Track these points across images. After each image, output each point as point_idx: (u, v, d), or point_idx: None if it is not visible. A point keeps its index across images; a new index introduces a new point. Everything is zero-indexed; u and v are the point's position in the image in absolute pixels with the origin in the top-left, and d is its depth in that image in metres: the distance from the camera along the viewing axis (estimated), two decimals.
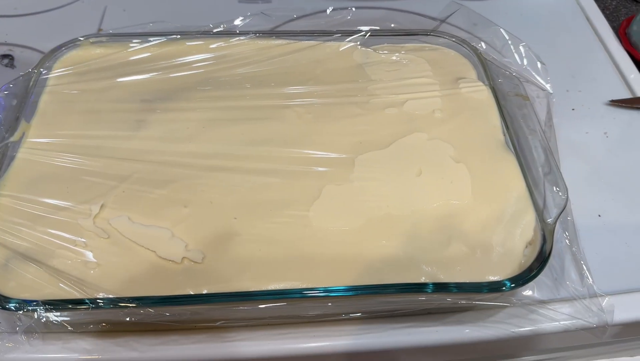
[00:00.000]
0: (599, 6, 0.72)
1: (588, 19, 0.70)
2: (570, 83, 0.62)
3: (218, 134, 0.48)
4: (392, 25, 0.59)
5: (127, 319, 0.38)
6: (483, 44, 0.55)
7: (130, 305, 0.37)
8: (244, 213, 0.43)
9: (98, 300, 0.37)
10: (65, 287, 0.38)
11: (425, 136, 0.48)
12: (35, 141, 0.47)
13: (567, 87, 0.61)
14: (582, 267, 0.43)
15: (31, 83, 0.50)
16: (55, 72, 0.52)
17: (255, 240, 0.42)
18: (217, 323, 0.40)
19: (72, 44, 0.54)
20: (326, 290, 0.38)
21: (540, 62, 0.54)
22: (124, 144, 0.47)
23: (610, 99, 0.60)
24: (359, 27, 0.56)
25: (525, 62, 0.54)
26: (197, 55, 0.54)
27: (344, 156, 0.46)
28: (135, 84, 0.51)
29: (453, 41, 0.56)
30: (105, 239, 0.41)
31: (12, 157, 0.46)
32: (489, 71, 0.53)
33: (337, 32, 0.56)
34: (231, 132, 0.48)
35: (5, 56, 0.62)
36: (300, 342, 0.41)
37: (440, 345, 0.42)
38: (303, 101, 0.51)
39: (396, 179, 0.45)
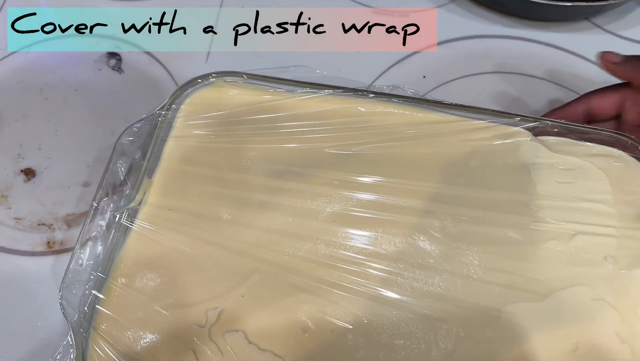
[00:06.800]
0: None
1: None
2: None
3: (348, 237, 0.42)
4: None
5: None
6: None
7: None
8: (369, 355, 0.39)
9: None
10: None
11: (590, 293, 0.41)
12: (153, 210, 0.43)
13: None
14: None
15: (156, 129, 0.46)
16: (183, 116, 0.47)
17: None
18: None
19: (204, 80, 0.48)
20: None
21: None
22: (245, 233, 0.43)
23: None
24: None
25: None
26: (340, 119, 0.47)
27: (487, 303, 0.40)
28: (266, 147, 0.46)
29: None
30: (218, 358, 0.39)
31: (129, 228, 0.43)
32: None
33: (510, 114, 0.46)
34: (364, 238, 0.42)
35: (112, 55, 0.54)
36: None
37: None
38: (450, 208, 0.44)
39: (547, 351, 0.39)
